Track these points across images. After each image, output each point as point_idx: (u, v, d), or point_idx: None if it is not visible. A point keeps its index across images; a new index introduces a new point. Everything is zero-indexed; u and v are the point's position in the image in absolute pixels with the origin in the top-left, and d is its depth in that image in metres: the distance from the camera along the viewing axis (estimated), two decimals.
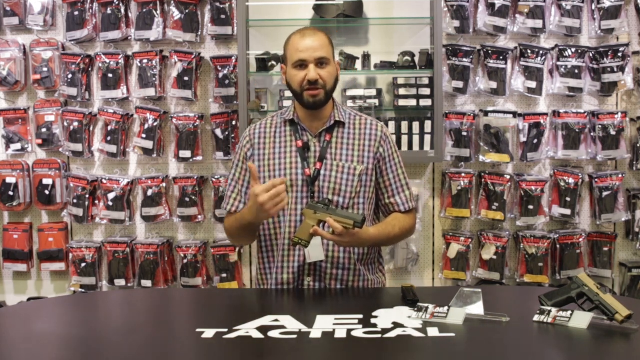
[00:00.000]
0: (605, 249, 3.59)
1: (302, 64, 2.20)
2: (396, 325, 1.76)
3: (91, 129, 3.67)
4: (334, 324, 1.77)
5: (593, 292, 1.80)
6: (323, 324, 1.78)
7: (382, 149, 2.30)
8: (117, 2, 3.56)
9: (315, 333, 1.71)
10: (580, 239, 3.55)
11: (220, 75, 3.56)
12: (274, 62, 3.47)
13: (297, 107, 2.31)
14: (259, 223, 2.23)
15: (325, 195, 2.22)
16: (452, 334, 1.69)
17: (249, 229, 2.25)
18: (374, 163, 2.29)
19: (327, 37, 2.26)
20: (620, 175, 3.56)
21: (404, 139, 3.44)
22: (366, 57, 3.50)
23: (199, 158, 3.61)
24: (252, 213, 2.11)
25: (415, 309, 1.84)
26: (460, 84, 3.54)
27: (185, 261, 3.59)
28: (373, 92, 3.46)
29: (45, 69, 3.63)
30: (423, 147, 3.43)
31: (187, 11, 3.57)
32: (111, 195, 3.60)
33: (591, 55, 3.54)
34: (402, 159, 2.36)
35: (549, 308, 1.79)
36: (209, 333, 1.72)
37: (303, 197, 2.23)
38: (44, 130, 3.66)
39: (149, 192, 3.61)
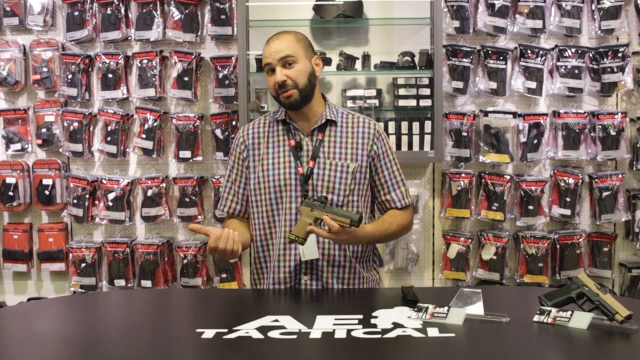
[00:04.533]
0: (605, 249, 3.59)
1: (270, 69, 2.23)
2: (396, 325, 1.76)
3: (91, 129, 3.67)
4: (334, 324, 1.77)
5: (593, 292, 1.80)
6: (323, 324, 1.78)
7: (375, 147, 2.30)
8: (117, 2, 3.56)
9: (315, 333, 1.70)
10: (580, 239, 3.55)
11: (220, 75, 3.56)
12: None
13: None
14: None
15: (319, 193, 2.23)
16: (452, 334, 1.69)
17: None
18: (368, 160, 2.29)
19: (294, 36, 2.25)
20: (620, 176, 3.56)
21: (404, 139, 3.44)
22: (366, 57, 3.50)
23: (199, 158, 3.61)
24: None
25: (415, 309, 1.84)
26: (460, 84, 3.54)
27: (185, 261, 3.59)
28: (373, 92, 3.46)
29: (45, 69, 3.63)
30: (423, 147, 3.44)
31: (187, 11, 3.56)
32: (111, 196, 3.60)
33: (591, 55, 3.54)
34: (397, 156, 2.37)
35: (549, 308, 1.78)
36: (209, 333, 1.71)
37: (297, 196, 2.24)
38: (44, 130, 3.66)
39: (149, 193, 3.61)
